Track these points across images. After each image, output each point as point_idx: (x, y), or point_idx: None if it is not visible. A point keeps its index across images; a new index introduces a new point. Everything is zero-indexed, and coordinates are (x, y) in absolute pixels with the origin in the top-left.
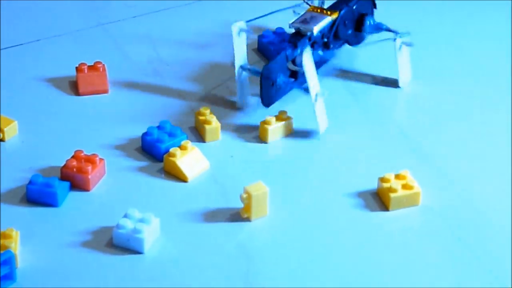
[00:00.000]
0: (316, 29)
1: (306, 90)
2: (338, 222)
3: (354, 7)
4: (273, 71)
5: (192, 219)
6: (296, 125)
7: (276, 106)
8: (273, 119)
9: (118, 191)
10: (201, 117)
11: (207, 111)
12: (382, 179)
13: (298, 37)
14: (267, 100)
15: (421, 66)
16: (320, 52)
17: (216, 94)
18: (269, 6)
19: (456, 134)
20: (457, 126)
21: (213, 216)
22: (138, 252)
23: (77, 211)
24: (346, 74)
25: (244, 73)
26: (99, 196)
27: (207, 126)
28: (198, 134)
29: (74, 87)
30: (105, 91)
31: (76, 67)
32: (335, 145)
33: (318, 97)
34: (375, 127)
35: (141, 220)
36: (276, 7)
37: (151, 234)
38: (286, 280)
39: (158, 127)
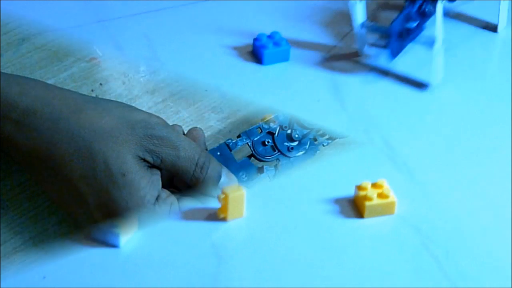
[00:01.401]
0: None
1: (423, 42)
2: (312, 227)
3: None
4: (399, 26)
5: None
6: None
7: None
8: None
9: None
10: None
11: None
12: (359, 187)
13: None
14: (394, 52)
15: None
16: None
17: None
18: None
19: (439, 148)
20: (442, 140)
21: (191, 214)
22: (114, 246)
23: None
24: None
25: (363, 30)
26: None
27: None
28: None
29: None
30: None
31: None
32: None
33: (442, 47)
34: (358, 133)
35: None
36: None
37: (128, 229)
38: (254, 282)
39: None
